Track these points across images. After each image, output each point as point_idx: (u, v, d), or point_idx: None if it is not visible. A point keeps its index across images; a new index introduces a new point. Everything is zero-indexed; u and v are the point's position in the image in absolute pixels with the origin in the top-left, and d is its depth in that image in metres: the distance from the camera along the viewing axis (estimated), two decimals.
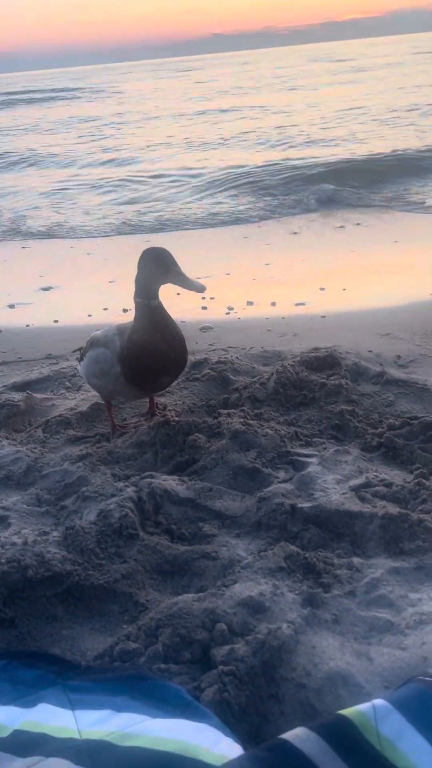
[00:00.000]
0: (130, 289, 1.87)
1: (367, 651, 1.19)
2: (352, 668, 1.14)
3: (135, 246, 5.80)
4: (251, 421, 1.97)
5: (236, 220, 6.15)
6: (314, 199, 6.52)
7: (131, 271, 1.87)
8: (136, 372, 1.87)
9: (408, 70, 19.62)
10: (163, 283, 1.85)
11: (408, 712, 0.91)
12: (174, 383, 2.30)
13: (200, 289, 1.81)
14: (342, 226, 5.66)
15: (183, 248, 5.20)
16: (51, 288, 4.29)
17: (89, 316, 3.58)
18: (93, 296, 3.96)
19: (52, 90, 29.04)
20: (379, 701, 0.92)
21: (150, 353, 1.84)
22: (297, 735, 0.85)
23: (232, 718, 1.02)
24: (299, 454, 1.82)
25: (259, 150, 9.48)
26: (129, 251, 5.89)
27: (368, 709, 0.89)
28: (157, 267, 1.82)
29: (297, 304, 3.47)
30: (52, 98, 24.30)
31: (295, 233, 5.61)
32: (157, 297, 1.86)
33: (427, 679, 0.98)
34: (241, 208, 6.54)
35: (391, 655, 1.17)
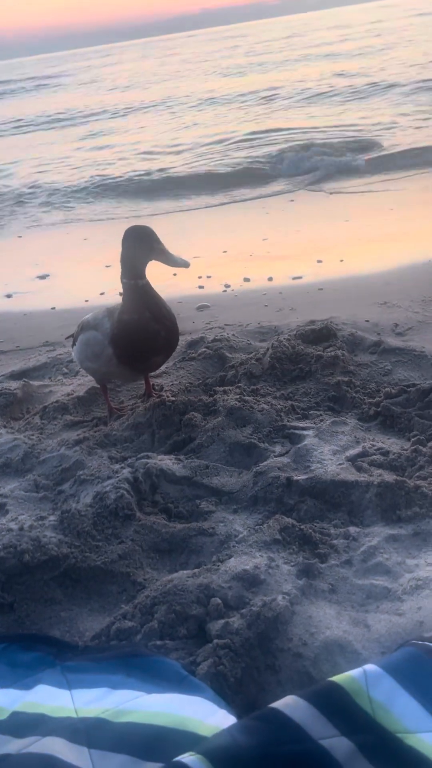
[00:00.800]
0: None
1: (365, 618, 1.18)
2: (349, 636, 1.14)
3: None
4: (247, 397, 1.96)
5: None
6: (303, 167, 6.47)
7: None
8: (128, 352, 1.86)
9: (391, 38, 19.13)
10: (148, 260, 1.83)
11: (400, 676, 0.91)
12: (167, 363, 2.30)
13: (184, 264, 1.80)
14: (333, 193, 5.59)
15: (180, 228, 5.17)
16: (47, 276, 4.28)
17: (86, 301, 3.57)
18: (89, 282, 3.95)
19: (29, 79, 28.59)
20: (369, 666, 0.91)
21: (140, 332, 1.83)
22: (287, 703, 0.85)
23: (228, 690, 1.03)
24: (295, 428, 1.81)
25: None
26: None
27: (359, 675, 0.89)
28: (141, 245, 1.81)
29: (294, 278, 3.44)
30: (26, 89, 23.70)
31: (291, 201, 5.56)
32: (143, 276, 1.84)
33: (419, 642, 0.98)
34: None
35: (388, 621, 1.16)
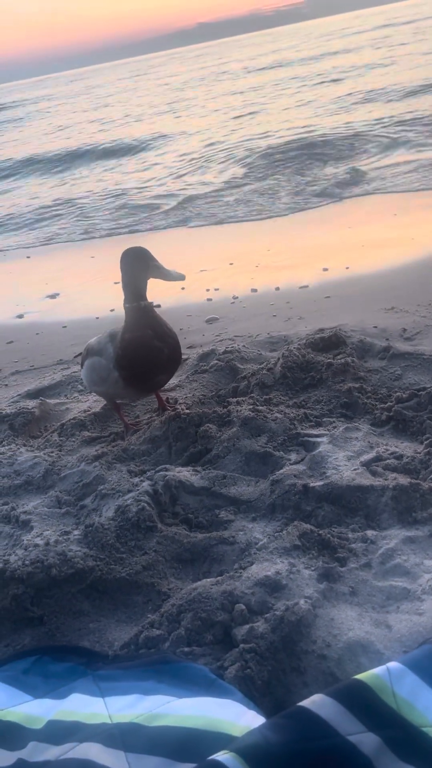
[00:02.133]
0: None
1: (386, 619, 1.21)
2: (372, 636, 1.17)
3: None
4: (260, 407, 1.99)
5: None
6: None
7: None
8: (133, 372, 1.90)
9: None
10: (147, 279, 1.90)
11: (422, 672, 0.94)
12: (178, 378, 2.35)
13: (180, 278, 1.87)
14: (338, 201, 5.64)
15: (189, 243, 5.23)
16: (57, 294, 4.35)
17: (96, 318, 3.63)
18: (99, 299, 4.01)
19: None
20: (392, 663, 0.94)
21: (144, 350, 1.87)
22: (314, 701, 0.88)
23: (256, 693, 1.06)
24: (309, 435, 1.85)
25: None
26: None
27: (383, 672, 0.92)
28: (138, 264, 1.87)
29: (301, 287, 3.48)
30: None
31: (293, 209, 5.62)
32: (145, 297, 1.90)
33: None
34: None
35: (408, 621, 1.19)
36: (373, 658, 1.12)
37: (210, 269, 4.19)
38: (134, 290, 1.88)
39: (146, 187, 7.76)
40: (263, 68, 20.07)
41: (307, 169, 6.96)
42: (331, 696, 0.89)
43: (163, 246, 5.15)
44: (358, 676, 0.93)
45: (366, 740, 0.85)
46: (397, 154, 6.83)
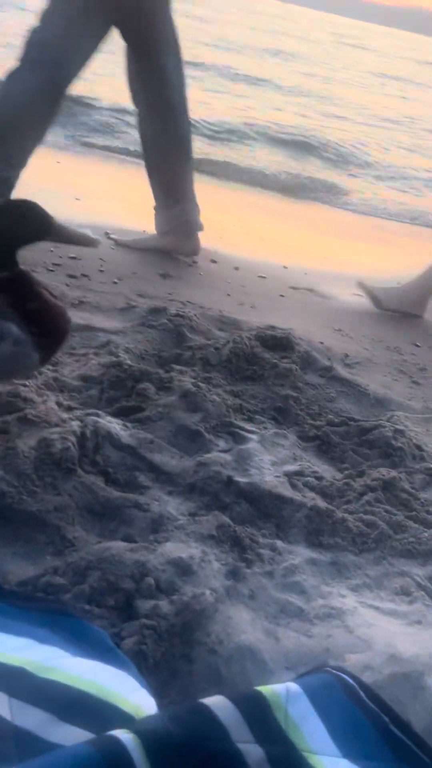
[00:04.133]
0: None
1: (276, 631, 1.25)
2: (261, 644, 1.20)
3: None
4: (201, 384, 1.98)
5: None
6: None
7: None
8: (54, 349, 1.60)
9: None
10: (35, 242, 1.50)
11: (315, 700, 0.97)
12: (116, 324, 2.29)
13: (92, 243, 1.54)
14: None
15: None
16: None
17: None
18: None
19: None
20: (292, 685, 0.98)
21: (63, 322, 1.59)
22: (216, 702, 0.90)
23: (146, 671, 1.06)
24: (241, 428, 1.86)
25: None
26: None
27: (282, 690, 0.95)
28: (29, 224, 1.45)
29: (259, 277, 3.48)
30: None
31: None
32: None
33: (334, 672, 1.05)
34: None
35: (297, 639, 1.24)
36: (258, 666, 1.16)
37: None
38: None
39: None
40: None
41: None
42: (232, 701, 0.91)
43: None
44: (260, 688, 0.95)
45: (252, 751, 0.88)
46: None
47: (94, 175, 5.51)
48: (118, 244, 3.37)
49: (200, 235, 3.46)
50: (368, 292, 3.24)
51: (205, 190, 5.42)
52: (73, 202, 4.11)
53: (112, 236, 3.45)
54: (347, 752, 0.96)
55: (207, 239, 3.99)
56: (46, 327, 1.54)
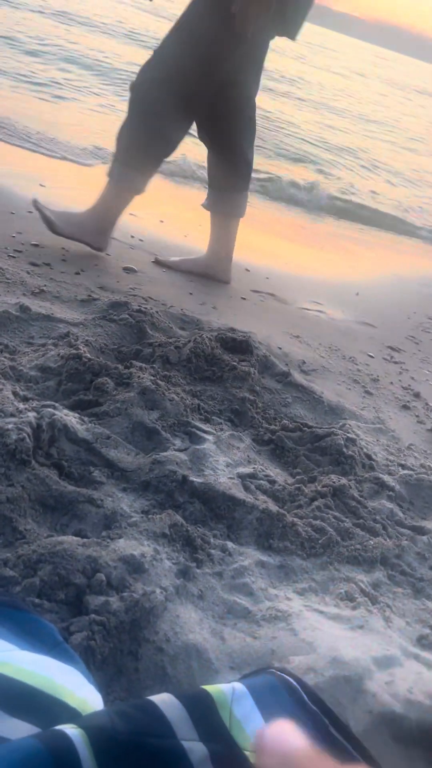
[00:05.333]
0: None
1: (222, 631, 1.27)
2: (207, 644, 1.21)
3: None
4: (160, 382, 1.98)
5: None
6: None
7: None
8: None
9: None
10: None
11: (259, 700, 0.99)
12: (77, 316, 2.28)
13: None
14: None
15: None
16: None
17: None
18: None
19: None
20: (238, 684, 0.99)
21: None
22: (164, 700, 0.91)
23: (93, 666, 1.06)
24: (198, 428, 1.87)
25: None
26: None
27: (228, 690, 0.97)
28: None
29: None
30: None
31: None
32: None
33: (278, 673, 1.07)
34: None
35: (242, 640, 1.26)
36: (203, 665, 1.17)
37: (141, 216, 4.07)
38: None
39: None
40: None
41: None
42: (179, 699, 0.92)
43: None
44: (206, 687, 0.96)
45: (195, 748, 0.89)
46: None
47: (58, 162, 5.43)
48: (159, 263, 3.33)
49: (165, 231, 3.45)
50: (43, 215, 2.94)
51: (170, 187, 5.41)
52: (38, 188, 4.05)
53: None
54: None
55: (172, 236, 3.99)
56: None
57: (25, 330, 2.16)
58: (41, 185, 4.14)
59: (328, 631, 1.31)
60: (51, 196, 3.79)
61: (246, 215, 3.44)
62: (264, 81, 3.93)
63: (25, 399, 1.73)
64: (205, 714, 0.93)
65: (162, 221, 4.20)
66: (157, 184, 5.32)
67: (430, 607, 1.52)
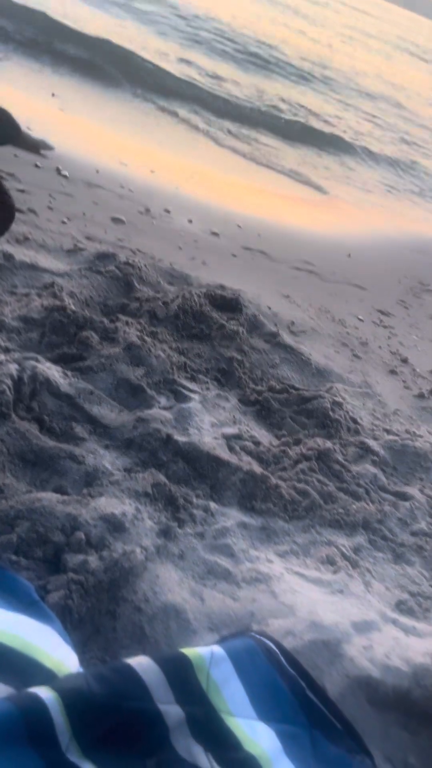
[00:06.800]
0: None
1: (201, 591, 1.26)
2: (186, 604, 1.20)
3: None
4: (147, 338, 1.94)
5: None
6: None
7: None
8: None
9: None
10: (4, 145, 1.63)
11: (237, 663, 0.99)
12: (61, 266, 2.21)
13: (51, 147, 1.66)
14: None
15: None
16: None
17: None
18: None
19: None
20: (217, 648, 0.98)
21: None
22: (140, 663, 0.89)
23: (70, 625, 1.05)
24: (184, 387, 1.84)
25: None
26: None
27: (206, 653, 0.96)
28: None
29: (213, 233, 3.41)
30: None
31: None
32: None
33: (257, 637, 1.06)
34: None
35: (222, 601, 1.25)
36: (182, 625, 1.16)
37: (131, 165, 3.95)
38: None
39: None
40: None
41: None
42: (156, 662, 0.90)
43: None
44: (185, 650, 0.95)
45: (171, 711, 0.88)
46: None
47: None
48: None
49: (156, 182, 3.32)
50: None
51: (162, 135, 5.25)
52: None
53: (63, 173, 3.30)
54: (264, 715, 0.98)
55: (163, 187, 3.88)
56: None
57: (7, 279, 2.09)
58: (27, 128, 3.98)
59: (308, 595, 1.31)
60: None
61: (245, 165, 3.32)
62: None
63: (6, 350, 1.67)
64: (182, 677, 0.92)
65: (153, 171, 4.08)
66: (148, 134, 5.17)
67: (409, 573, 1.52)
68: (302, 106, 7.64)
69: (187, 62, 7.17)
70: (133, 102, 5.77)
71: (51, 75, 5.40)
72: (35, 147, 1.65)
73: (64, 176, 3.26)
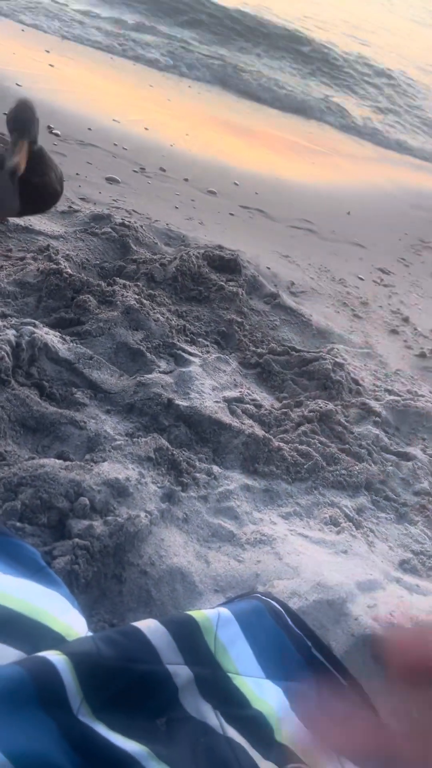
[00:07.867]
0: None
1: (206, 554, 1.26)
2: (191, 567, 1.21)
3: None
4: (145, 301, 1.91)
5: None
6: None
7: None
8: (33, 208, 1.76)
9: None
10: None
11: (244, 625, 0.99)
12: (57, 229, 2.19)
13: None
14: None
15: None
16: None
17: None
18: None
19: None
20: (224, 610, 0.99)
21: (49, 195, 1.75)
22: (149, 626, 0.90)
23: (77, 590, 1.05)
24: (184, 350, 1.82)
25: None
26: None
27: (213, 615, 0.96)
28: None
29: (209, 192, 3.35)
30: None
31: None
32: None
33: (264, 598, 1.07)
34: None
35: (227, 563, 1.25)
36: (188, 588, 1.17)
37: (124, 123, 3.85)
38: (36, 132, 1.69)
39: None
40: None
41: None
42: (164, 624, 0.91)
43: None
44: (191, 613, 0.96)
45: (180, 672, 0.89)
46: None
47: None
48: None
49: (150, 139, 3.25)
50: None
51: (155, 94, 5.12)
52: (16, 89, 3.79)
53: (55, 131, 3.22)
54: (271, 674, 0.99)
55: (158, 145, 3.79)
56: (34, 197, 1.70)
57: (2, 242, 2.05)
58: (17, 84, 3.87)
59: (312, 556, 1.32)
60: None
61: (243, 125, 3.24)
62: None
63: (3, 316, 1.65)
64: (190, 639, 0.92)
65: (147, 128, 3.98)
66: (142, 91, 5.03)
67: (412, 532, 1.53)
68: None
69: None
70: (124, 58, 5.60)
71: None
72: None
73: (56, 135, 3.19)
